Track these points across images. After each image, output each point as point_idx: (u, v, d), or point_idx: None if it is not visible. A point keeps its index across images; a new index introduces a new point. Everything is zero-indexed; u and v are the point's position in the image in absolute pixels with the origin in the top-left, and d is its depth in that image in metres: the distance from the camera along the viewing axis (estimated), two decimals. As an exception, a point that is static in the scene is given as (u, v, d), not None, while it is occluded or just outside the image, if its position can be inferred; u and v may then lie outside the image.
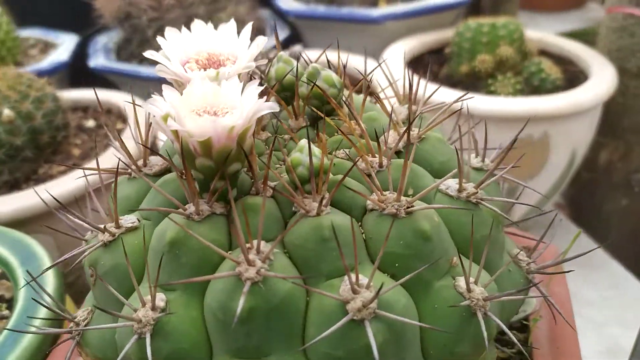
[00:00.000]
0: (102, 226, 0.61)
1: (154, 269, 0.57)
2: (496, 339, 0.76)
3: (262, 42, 0.66)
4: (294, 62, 0.72)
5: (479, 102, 1.33)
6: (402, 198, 0.56)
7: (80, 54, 1.84)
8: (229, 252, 0.55)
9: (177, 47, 0.65)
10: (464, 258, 0.59)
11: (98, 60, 1.74)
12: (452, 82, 1.57)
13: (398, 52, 1.62)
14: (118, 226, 0.61)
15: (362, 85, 0.86)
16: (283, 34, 1.86)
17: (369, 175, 0.58)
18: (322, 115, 0.64)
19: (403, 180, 0.55)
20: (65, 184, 1.09)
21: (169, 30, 0.67)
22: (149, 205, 0.62)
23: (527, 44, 1.52)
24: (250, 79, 0.70)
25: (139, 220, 0.62)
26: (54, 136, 1.22)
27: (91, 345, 0.61)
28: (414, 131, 0.67)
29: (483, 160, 0.71)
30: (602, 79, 1.41)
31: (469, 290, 0.55)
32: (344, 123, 0.67)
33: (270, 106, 0.56)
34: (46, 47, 1.94)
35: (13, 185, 1.20)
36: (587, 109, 1.35)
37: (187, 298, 0.55)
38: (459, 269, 0.57)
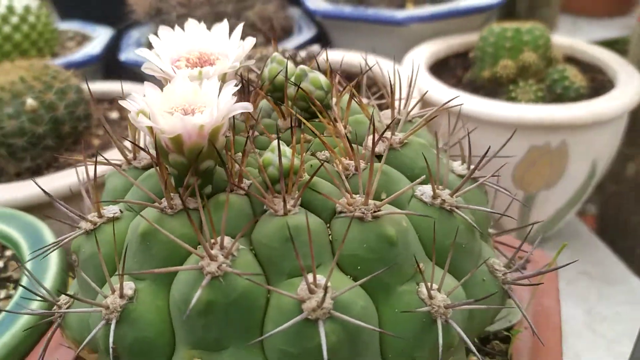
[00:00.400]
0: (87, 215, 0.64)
1: (128, 258, 0.59)
2: (478, 348, 0.76)
3: (250, 43, 0.68)
4: (290, 63, 0.73)
5: (494, 108, 1.31)
6: (371, 202, 0.57)
7: (115, 47, 1.90)
8: (198, 246, 0.56)
9: (169, 46, 0.68)
10: (431, 264, 0.59)
11: (129, 54, 1.79)
12: (474, 87, 1.55)
13: (420, 55, 1.61)
14: (100, 216, 0.63)
15: (359, 86, 0.86)
16: (310, 33, 1.88)
17: (340, 178, 0.59)
18: (301, 118, 0.65)
19: (371, 183, 0.56)
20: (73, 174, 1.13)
21: (163, 29, 0.69)
22: (132, 198, 0.65)
23: (552, 51, 1.49)
24: (242, 79, 0.72)
25: (121, 212, 0.64)
26: (75, 126, 1.27)
27: (70, 328, 0.64)
28: (397, 136, 0.67)
29: (468, 168, 0.70)
30: (627, 89, 1.36)
31: (430, 297, 0.55)
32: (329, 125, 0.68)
33: (243, 106, 0.58)
34: (83, 39, 2.01)
35: (35, 172, 1.25)
36: (609, 119, 1.31)
37: (155, 288, 0.57)
38: (425, 275, 0.57)
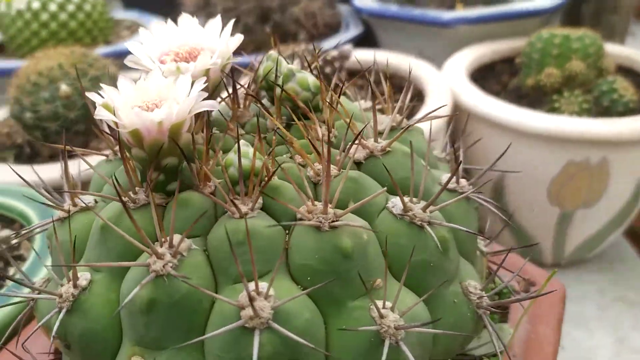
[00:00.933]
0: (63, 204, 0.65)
1: (89, 249, 0.60)
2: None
3: (236, 41, 0.66)
4: (284, 62, 0.72)
5: (530, 119, 1.24)
6: (331, 211, 0.54)
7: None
8: (156, 242, 0.56)
9: (161, 39, 0.67)
10: (394, 282, 0.56)
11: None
12: (518, 95, 1.48)
13: (463, 59, 1.55)
14: (74, 204, 0.64)
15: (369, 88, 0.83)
16: (356, 31, 1.85)
17: (302, 184, 0.57)
18: (275, 121, 0.63)
19: (327, 191, 0.53)
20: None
21: (155, 23, 0.69)
22: (109, 189, 0.65)
23: (604, 60, 1.40)
24: (232, 76, 0.71)
25: (96, 202, 0.65)
26: (107, 113, 1.30)
27: (39, 313, 0.65)
28: (380, 143, 0.64)
29: (457, 180, 0.66)
30: (683, 106, 1.26)
31: (381, 315, 0.52)
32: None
33: (208, 104, 0.57)
34: (138, 29, 2.07)
35: (71, 155, 1.29)
36: (657, 137, 1.21)
37: (109, 281, 0.57)
38: (382, 292, 0.54)
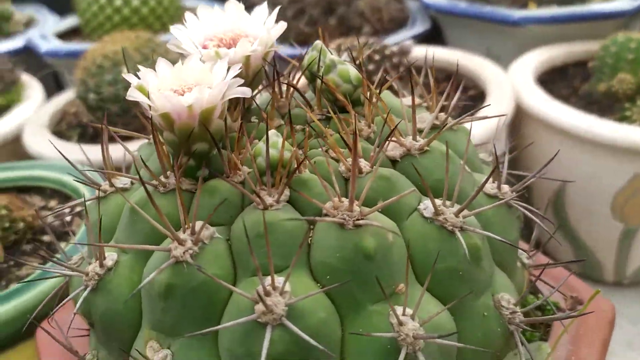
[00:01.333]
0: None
1: (119, 230, 0.60)
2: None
3: (278, 29, 0.66)
4: (328, 53, 0.70)
5: (595, 127, 1.17)
6: (357, 209, 0.52)
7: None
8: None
9: (206, 24, 0.67)
10: (418, 288, 0.53)
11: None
12: (589, 101, 1.40)
13: (532, 60, 1.48)
14: (111, 185, 0.65)
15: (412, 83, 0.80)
16: (422, 27, 1.80)
17: (330, 179, 0.55)
18: (310, 113, 0.61)
19: (353, 187, 0.51)
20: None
21: (202, 8, 0.69)
22: (144, 172, 0.66)
23: (687, 68, 1.29)
24: (273, 65, 0.70)
25: (132, 183, 0.66)
26: (166, 98, 1.33)
27: (73, 289, 0.66)
28: (419, 142, 0.62)
29: (498, 186, 0.63)
30: None
31: (400, 323, 0.50)
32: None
33: (242, 91, 0.56)
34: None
35: (125, 137, 1.33)
36: None
37: (134, 263, 0.57)
38: (404, 298, 0.52)
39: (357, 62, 0.70)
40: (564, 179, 1.24)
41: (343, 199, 0.54)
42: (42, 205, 1.08)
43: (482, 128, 1.04)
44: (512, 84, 1.37)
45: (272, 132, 0.56)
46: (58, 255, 0.77)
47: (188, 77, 0.58)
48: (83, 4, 1.84)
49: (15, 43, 1.91)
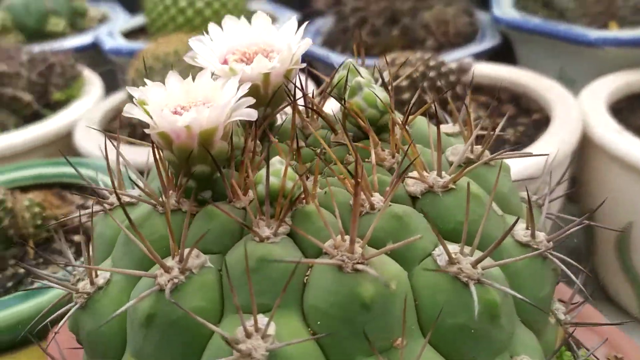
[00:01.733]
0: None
1: (116, 247, 0.58)
2: None
3: (304, 46, 0.61)
4: (359, 73, 0.65)
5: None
6: (359, 250, 0.47)
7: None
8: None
9: (229, 37, 0.64)
10: (419, 344, 0.47)
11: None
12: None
13: (606, 85, 1.36)
14: (118, 198, 0.63)
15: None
16: (491, 43, 1.71)
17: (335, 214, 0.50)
18: (318, 136, 0.57)
19: (354, 225, 0.46)
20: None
21: (228, 19, 0.66)
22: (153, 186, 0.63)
23: None
24: (295, 83, 0.66)
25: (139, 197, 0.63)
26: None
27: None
28: (444, 178, 0.55)
29: (533, 234, 0.55)
30: None
31: (391, 385, 0.44)
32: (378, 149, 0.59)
33: (247, 113, 0.52)
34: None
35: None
36: None
37: (125, 284, 0.55)
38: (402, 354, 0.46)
39: (389, 83, 0.65)
40: (633, 220, 1.13)
41: (347, 237, 0.49)
42: (80, 204, 1.09)
43: (533, 160, 0.96)
44: (581, 110, 1.27)
45: (275, 159, 0.51)
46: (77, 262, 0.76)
47: (197, 94, 0.55)
48: (149, 3, 1.87)
49: (84, 39, 1.97)
